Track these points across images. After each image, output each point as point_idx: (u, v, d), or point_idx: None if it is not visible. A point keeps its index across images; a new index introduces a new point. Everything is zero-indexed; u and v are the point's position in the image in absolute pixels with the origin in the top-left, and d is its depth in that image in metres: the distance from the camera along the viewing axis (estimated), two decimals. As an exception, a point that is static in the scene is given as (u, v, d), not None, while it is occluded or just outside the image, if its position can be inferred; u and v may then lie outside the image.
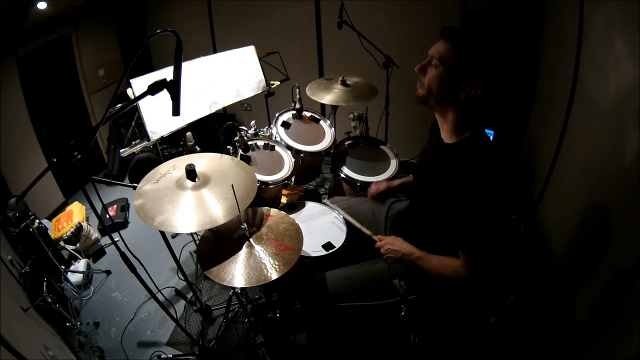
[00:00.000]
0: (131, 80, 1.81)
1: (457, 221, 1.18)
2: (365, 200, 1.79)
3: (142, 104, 1.81)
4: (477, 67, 1.11)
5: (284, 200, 2.31)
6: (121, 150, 2.06)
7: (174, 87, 1.13)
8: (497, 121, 2.38)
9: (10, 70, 2.53)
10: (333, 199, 1.90)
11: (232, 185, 1.31)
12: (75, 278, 2.30)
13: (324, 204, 1.88)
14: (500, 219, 1.28)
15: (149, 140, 1.87)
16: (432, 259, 1.32)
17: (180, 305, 2.17)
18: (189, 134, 2.52)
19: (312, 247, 1.62)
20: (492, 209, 1.16)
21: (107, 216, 2.63)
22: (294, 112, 2.32)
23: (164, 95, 1.13)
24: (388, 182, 1.77)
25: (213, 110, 2.11)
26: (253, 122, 2.41)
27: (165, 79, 1.11)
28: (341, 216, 1.79)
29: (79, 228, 2.49)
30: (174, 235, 2.55)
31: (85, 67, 3.16)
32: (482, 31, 2.48)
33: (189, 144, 2.55)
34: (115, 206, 2.89)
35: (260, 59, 2.39)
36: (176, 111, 1.17)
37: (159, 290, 1.97)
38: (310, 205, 1.93)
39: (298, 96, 2.28)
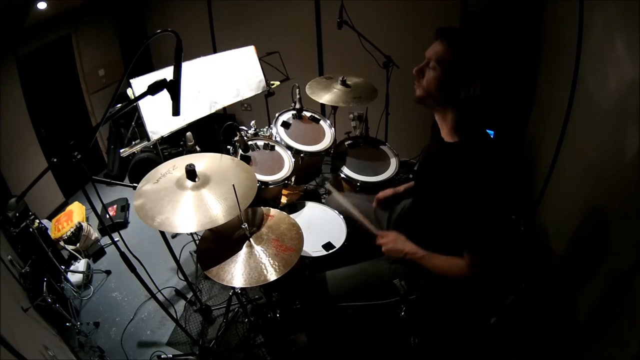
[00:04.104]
0: (131, 80, 1.81)
1: (462, 221, 1.18)
2: (368, 198, 1.79)
3: (142, 104, 1.81)
4: (475, 67, 1.11)
5: (284, 200, 2.31)
6: (121, 150, 2.06)
7: (174, 87, 1.13)
8: (497, 121, 2.38)
9: (10, 70, 2.52)
10: (331, 196, 1.90)
11: (233, 185, 1.31)
12: (75, 278, 2.30)
13: (328, 189, 1.82)
14: (503, 219, 1.26)
15: (149, 140, 1.87)
16: (435, 258, 1.30)
17: (180, 305, 2.17)
18: (189, 134, 2.52)
19: (312, 247, 1.63)
20: (496, 208, 1.15)
21: (107, 216, 2.63)
22: (294, 112, 2.32)
23: (164, 95, 1.13)
24: (394, 188, 1.70)
25: (213, 110, 2.11)
26: (253, 122, 2.41)
27: (165, 79, 1.11)
28: (341, 216, 1.79)
29: (79, 228, 2.49)
30: (174, 235, 2.54)
31: (85, 67, 3.16)
32: (479, 31, 2.48)
33: (189, 144, 2.55)
34: (115, 206, 2.88)
35: (260, 59, 2.39)
36: (176, 111, 1.17)
37: (159, 290, 1.97)
38: (310, 205, 1.93)
39: (298, 96, 2.28)
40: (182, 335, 1.97)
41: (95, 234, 2.60)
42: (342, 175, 2.08)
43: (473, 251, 1.20)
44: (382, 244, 1.42)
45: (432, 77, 1.15)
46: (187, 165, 1.40)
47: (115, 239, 1.51)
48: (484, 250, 1.19)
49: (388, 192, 1.67)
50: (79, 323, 2.02)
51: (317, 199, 2.53)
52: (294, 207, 1.92)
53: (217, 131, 2.20)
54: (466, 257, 1.21)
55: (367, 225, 1.53)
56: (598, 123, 1.65)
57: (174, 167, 1.49)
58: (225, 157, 1.59)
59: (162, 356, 1.86)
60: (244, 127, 2.25)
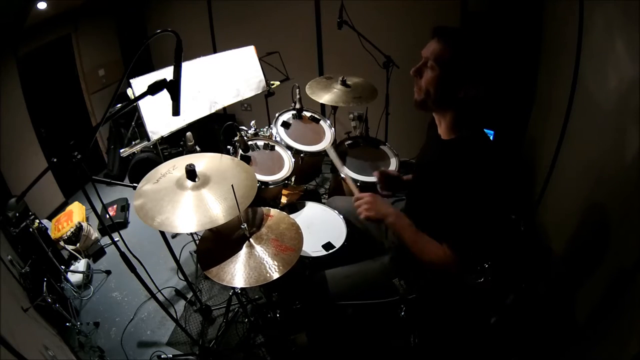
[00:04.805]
0: (131, 80, 1.81)
1: (445, 214, 1.15)
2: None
3: (142, 104, 1.81)
4: (474, 66, 1.09)
5: (284, 200, 2.31)
6: (121, 150, 2.06)
7: (174, 87, 1.13)
8: (497, 121, 2.39)
9: (10, 70, 2.52)
10: (333, 198, 1.90)
11: (232, 185, 1.31)
12: (75, 278, 2.30)
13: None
14: (493, 217, 1.23)
15: (149, 140, 1.87)
16: (412, 231, 1.23)
17: (180, 305, 2.17)
18: (189, 134, 2.52)
19: (312, 247, 1.62)
20: (483, 205, 1.12)
21: (107, 216, 2.63)
22: (294, 112, 2.32)
23: (164, 95, 1.13)
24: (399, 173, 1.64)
25: (213, 110, 2.11)
26: (253, 122, 2.41)
27: (165, 79, 1.11)
28: (341, 216, 1.79)
29: (79, 228, 2.49)
30: (174, 235, 2.54)
31: (85, 67, 3.16)
32: (476, 29, 2.48)
33: (189, 144, 2.55)
34: (115, 206, 2.88)
35: (260, 59, 2.39)
36: (176, 111, 1.17)
37: (159, 290, 1.97)
38: (310, 205, 1.93)
39: (298, 96, 2.28)
40: (182, 335, 1.97)
41: (95, 234, 2.60)
42: (342, 175, 2.07)
43: (452, 245, 1.15)
44: (357, 206, 1.33)
45: (430, 77, 1.12)
46: (187, 165, 1.40)
47: (115, 239, 1.50)
48: (462, 244, 1.15)
49: (393, 172, 1.61)
50: (79, 323, 2.02)
51: (317, 199, 2.53)
52: (294, 207, 1.92)
53: (217, 131, 2.20)
54: (445, 249, 1.16)
55: (354, 189, 1.44)
56: (598, 123, 1.65)
57: (174, 167, 1.49)
58: (225, 157, 1.59)
59: (162, 356, 1.86)
60: (244, 127, 2.25)
